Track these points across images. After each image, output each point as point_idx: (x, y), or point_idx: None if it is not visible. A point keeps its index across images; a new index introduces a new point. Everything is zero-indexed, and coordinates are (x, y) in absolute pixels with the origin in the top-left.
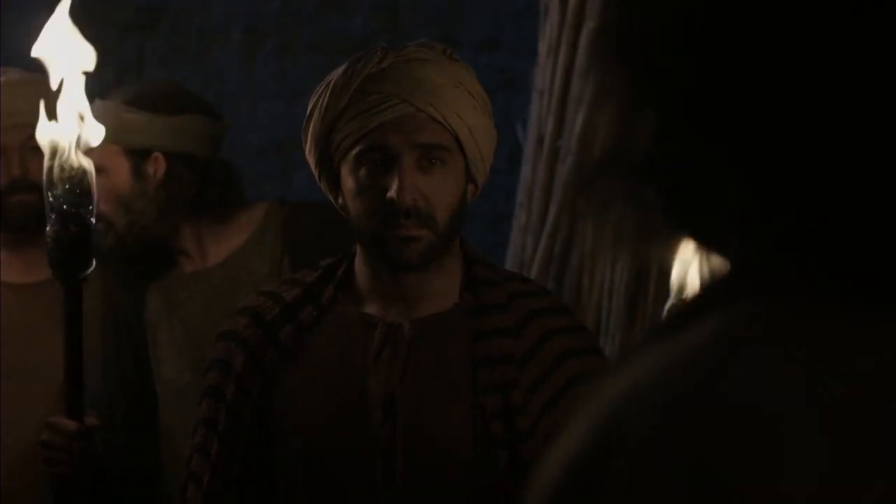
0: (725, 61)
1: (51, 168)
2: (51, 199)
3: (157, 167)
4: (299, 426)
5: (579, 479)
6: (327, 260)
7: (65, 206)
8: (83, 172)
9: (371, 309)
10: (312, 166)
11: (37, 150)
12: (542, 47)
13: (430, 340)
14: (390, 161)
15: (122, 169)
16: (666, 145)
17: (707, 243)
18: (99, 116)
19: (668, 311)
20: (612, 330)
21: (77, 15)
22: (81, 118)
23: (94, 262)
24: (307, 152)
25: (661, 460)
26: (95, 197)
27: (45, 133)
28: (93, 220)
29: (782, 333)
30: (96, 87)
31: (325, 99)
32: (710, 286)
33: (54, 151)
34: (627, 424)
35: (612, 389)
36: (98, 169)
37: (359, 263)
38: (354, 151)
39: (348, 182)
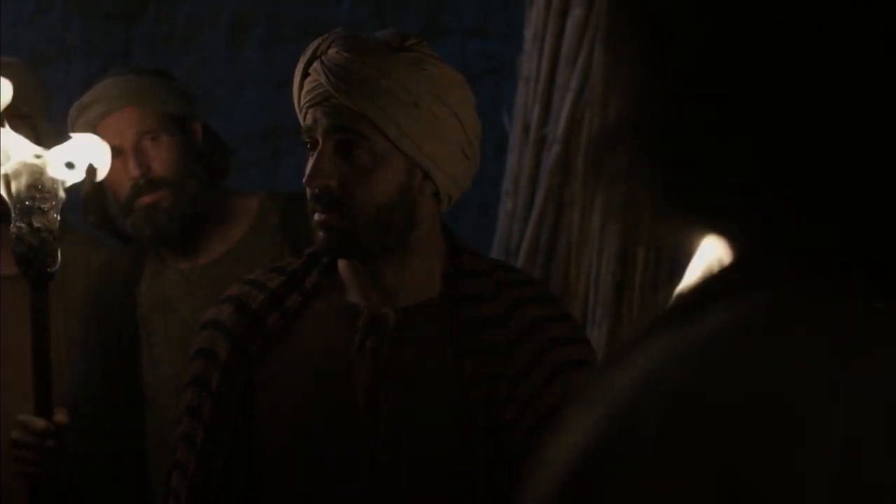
0: (742, 27)
1: (10, 165)
2: (13, 195)
3: (196, 134)
4: (284, 414)
5: (592, 468)
6: (311, 248)
7: (27, 203)
8: (43, 169)
9: (354, 297)
10: None
11: None
12: (528, 34)
13: (414, 330)
14: (316, 146)
15: (174, 136)
16: (680, 116)
17: (713, 226)
18: (131, 87)
19: (674, 298)
20: (599, 318)
21: (64, 3)
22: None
23: (58, 260)
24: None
25: (678, 450)
26: (61, 193)
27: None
28: (57, 216)
29: (799, 322)
30: (84, 75)
31: (294, 82)
32: (719, 273)
33: (9, 151)
34: (641, 414)
35: (621, 379)
36: (153, 136)
37: None
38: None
39: None
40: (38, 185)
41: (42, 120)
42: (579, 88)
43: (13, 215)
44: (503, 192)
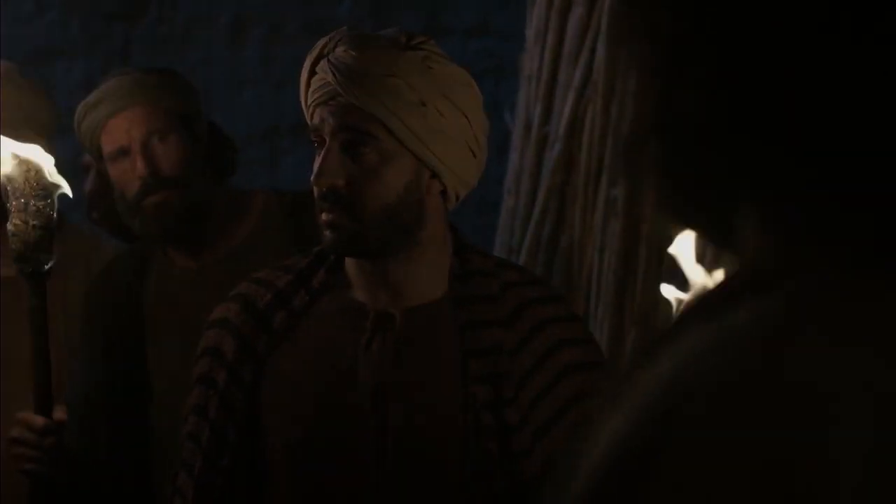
0: (766, 23)
1: (5, 162)
2: (9, 192)
3: (203, 132)
4: (290, 413)
5: (633, 461)
6: (319, 246)
7: (23, 200)
8: (40, 167)
9: (361, 296)
10: None
11: None
12: (530, 33)
13: (420, 330)
14: (323, 145)
15: (182, 134)
16: (705, 113)
17: (742, 219)
18: (138, 85)
19: (695, 298)
20: (601, 316)
21: (64, 3)
22: None
23: (54, 257)
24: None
25: (718, 438)
26: (57, 190)
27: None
28: (53, 213)
29: (832, 312)
30: (84, 75)
31: (301, 81)
32: (741, 271)
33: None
34: (679, 406)
35: (654, 373)
36: (161, 135)
37: None
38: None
39: None
40: (34, 181)
41: (36, 138)
42: (581, 87)
43: (10, 212)
44: (505, 191)
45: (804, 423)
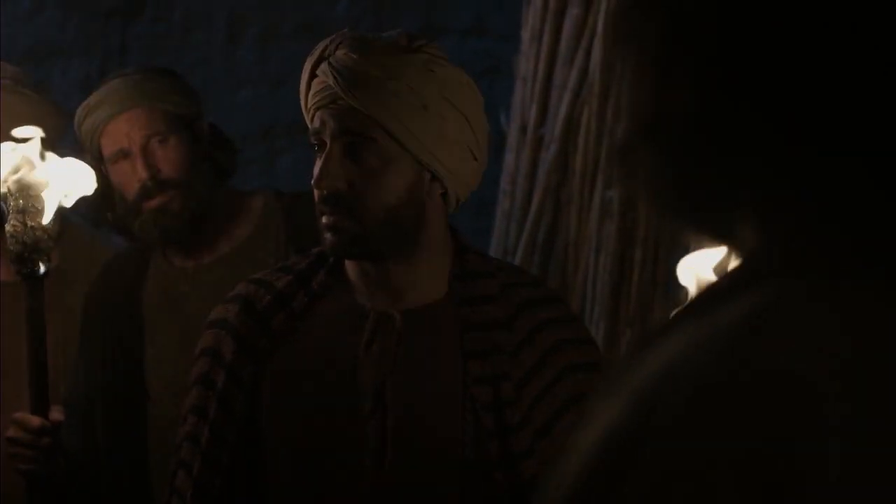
0: (761, 23)
1: (4, 165)
2: (6, 195)
3: (203, 134)
4: (289, 415)
5: (619, 451)
6: (319, 248)
7: (21, 201)
8: (34, 169)
9: (361, 298)
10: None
11: None
12: (525, 34)
13: (420, 331)
14: (324, 148)
15: (182, 136)
16: (700, 114)
17: (731, 222)
18: (138, 87)
19: (695, 293)
20: (597, 317)
21: (62, 1)
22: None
23: (53, 258)
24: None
25: (702, 431)
26: (55, 193)
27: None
28: (51, 214)
29: (814, 306)
30: (81, 74)
31: (301, 83)
32: (737, 270)
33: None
34: (666, 398)
35: (645, 368)
36: (161, 137)
37: None
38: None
39: None
40: (32, 183)
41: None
42: (577, 88)
43: (8, 216)
44: (501, 192)
45: (787, 415)
